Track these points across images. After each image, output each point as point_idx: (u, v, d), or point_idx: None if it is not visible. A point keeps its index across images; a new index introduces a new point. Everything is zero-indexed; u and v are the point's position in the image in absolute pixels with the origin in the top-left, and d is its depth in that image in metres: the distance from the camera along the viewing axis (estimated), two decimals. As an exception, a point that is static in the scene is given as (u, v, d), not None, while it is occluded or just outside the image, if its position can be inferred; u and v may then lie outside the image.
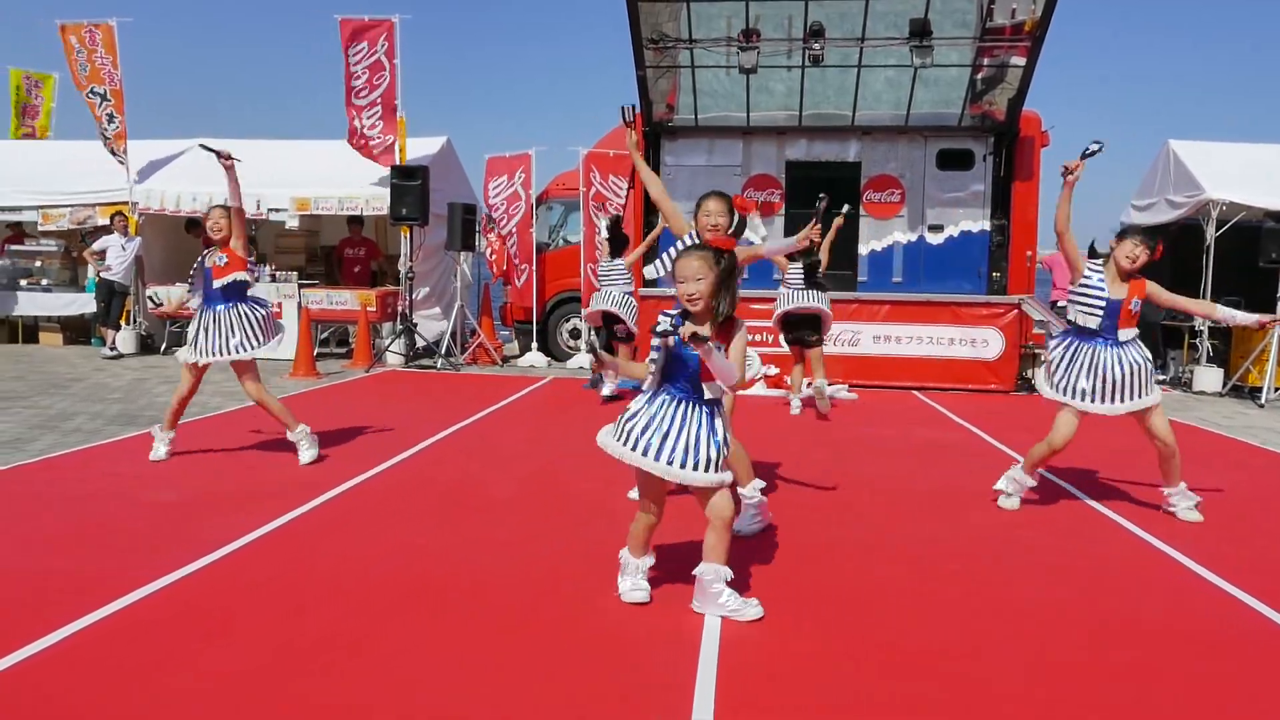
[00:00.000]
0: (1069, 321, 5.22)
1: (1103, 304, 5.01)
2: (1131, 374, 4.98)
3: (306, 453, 5.97)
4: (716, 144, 12.50)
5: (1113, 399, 5.01)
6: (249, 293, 5.99)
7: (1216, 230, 10.97)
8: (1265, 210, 10.79)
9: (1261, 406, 10.18)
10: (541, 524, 4.82)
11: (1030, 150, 11.81)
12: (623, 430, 3.52)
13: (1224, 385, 11.13)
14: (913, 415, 8.88)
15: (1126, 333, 5.03)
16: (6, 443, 6.59)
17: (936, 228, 12.16)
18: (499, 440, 6.92)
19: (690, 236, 4.64)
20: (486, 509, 5.10)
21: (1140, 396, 5.01)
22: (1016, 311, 10.65)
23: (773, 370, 10.29)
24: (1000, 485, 5.42)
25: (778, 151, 12.48)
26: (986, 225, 12.07)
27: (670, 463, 3.42)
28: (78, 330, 13.66)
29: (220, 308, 5.83)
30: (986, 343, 10.68)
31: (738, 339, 3.50)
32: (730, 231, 4.57)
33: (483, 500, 5.28)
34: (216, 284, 5.82)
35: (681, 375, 3.47)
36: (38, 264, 13.72)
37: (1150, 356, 5.10)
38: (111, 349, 12.07)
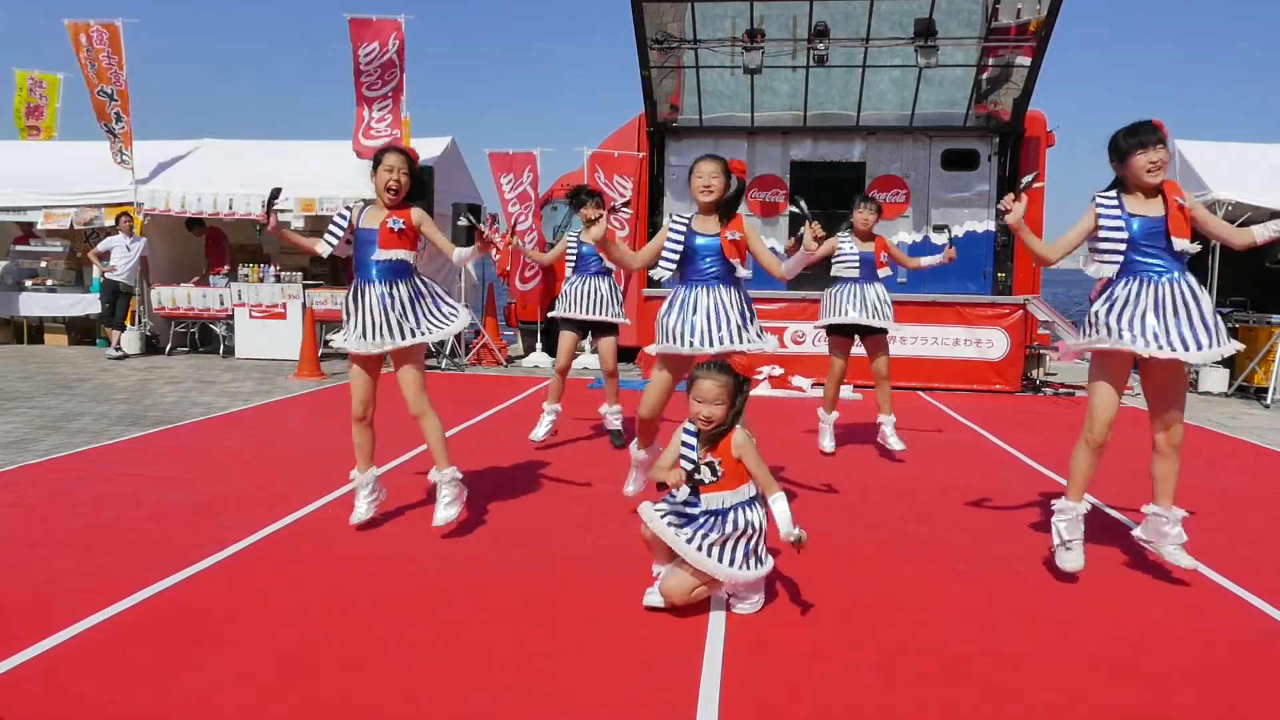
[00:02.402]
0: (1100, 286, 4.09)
1: (1128, 229, 3.89)
2: (1195, 307, 3.84)
3: (445, 509, 4.52)
4: (721, 144, 12.50)
5: (1165, 341, 3.81)
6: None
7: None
8: (1271, 210, 10.75)
9: (1267, 407, 10.15)
10: (546, 524, 4.81)
11: (1035, 150, 11.81)
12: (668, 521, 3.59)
13: (1230, 386, 11.10)
14: (917, 416, 8.86)
15: (1181, 243, 3.85)
16: (12, 443, 6.61)
17: (941, 228, 12.16)
18: (503, 440, 6.92)
19: (676, 223, 4.51)
20: (491, 509, 5.09)
21: (1213, 342, 3.83)
22: (1021, 312, 10.63)
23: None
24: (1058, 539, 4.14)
25: (782, 152, 12.49)
26: (991, 226, 12.07)
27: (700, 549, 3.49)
28: (83, 331, 13.70)
29: (380, 284, 4.49)
30: (991, 343, 10.66)
31: (749, 453, 3.53)
32: (727, 195, 4.46)
33: (487, 500, 5.28)
34: (379, 254, 4.47)
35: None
36: (43, 264, 13.78)
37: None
38: (116, 349, 12.10)
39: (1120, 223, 3.92)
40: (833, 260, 6.51)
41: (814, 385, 10.37)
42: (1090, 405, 4.05)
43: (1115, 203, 3.96)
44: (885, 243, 6.59)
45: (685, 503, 3.57)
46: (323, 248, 4.64)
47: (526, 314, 13.41)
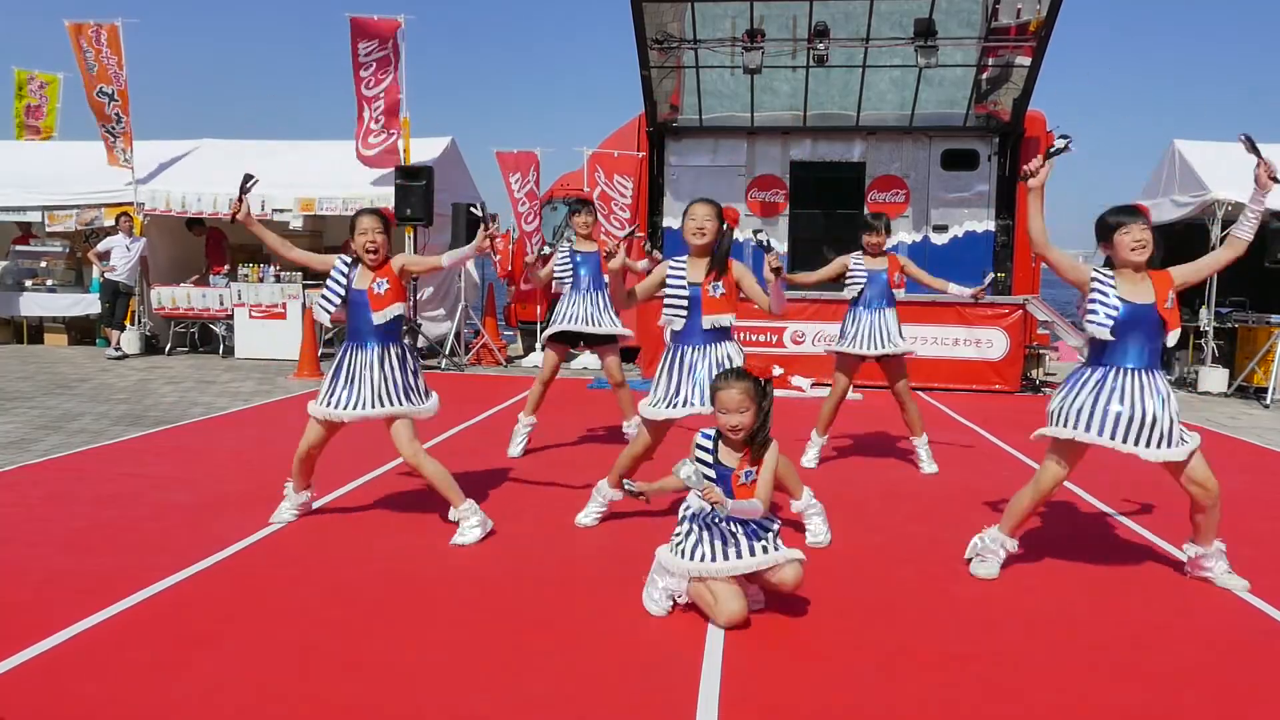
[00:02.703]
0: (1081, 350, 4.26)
1: (1120, 315, 3.90)
2: (1157, 405, 3.92)
3: (469, 532, 4.49)
4: (721, 144, 12.51)
5: (1148, 440, 3.91)
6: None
7: (1222, 230, 10.94)
8: (1271, 210, 10.76)
9: (1267, 407, 10.15)
10: (546, 525, 4.81)
11: (1035, 150, 11.78)
12: (678, 549, 3.59)
13: (1229, 386, 11.10)
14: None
15: (1173, 336, 3.96)
16: (12, 443, 6.61)
17: (941, 228, 12.17)
18: (503, 440, 6.91)
19: (675, 271, 4.51)
20: (491, 510, 5.09)
21: (1177, 441, 3.96)
22: (1021, 312, 10.63)
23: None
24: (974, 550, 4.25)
25: (782, 152, 12.49)
26: (991, 225, 12.07)
27: (732, 557, 3.50)
28: (83, 331, 13.70)
29: (374, 348, 4.51)
30: (991, 343, 10.66)
31: (768, 463, 3.59)
32: (717, 241, 4.46)
33: (487, 501, 5.28)
34: (377, 318, 4.50)
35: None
36: (43, 265, 13.77)
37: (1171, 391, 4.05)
38: (116, 349, 12.09)
39: (1115, 300, 3.92)
40: (845, 280, 6.29)
41: (814, 385, 10.38)
42: (1039, 475, 4.10)
43: (1111, 280, 3.96)
44: (900, 262, 6.28)
45: (710, 514, 3.56)
46: (320, 314, 4.67)
47: (526, 314, 13.41)
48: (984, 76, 11.74)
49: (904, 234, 12.19)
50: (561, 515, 4.97)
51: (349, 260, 4.62)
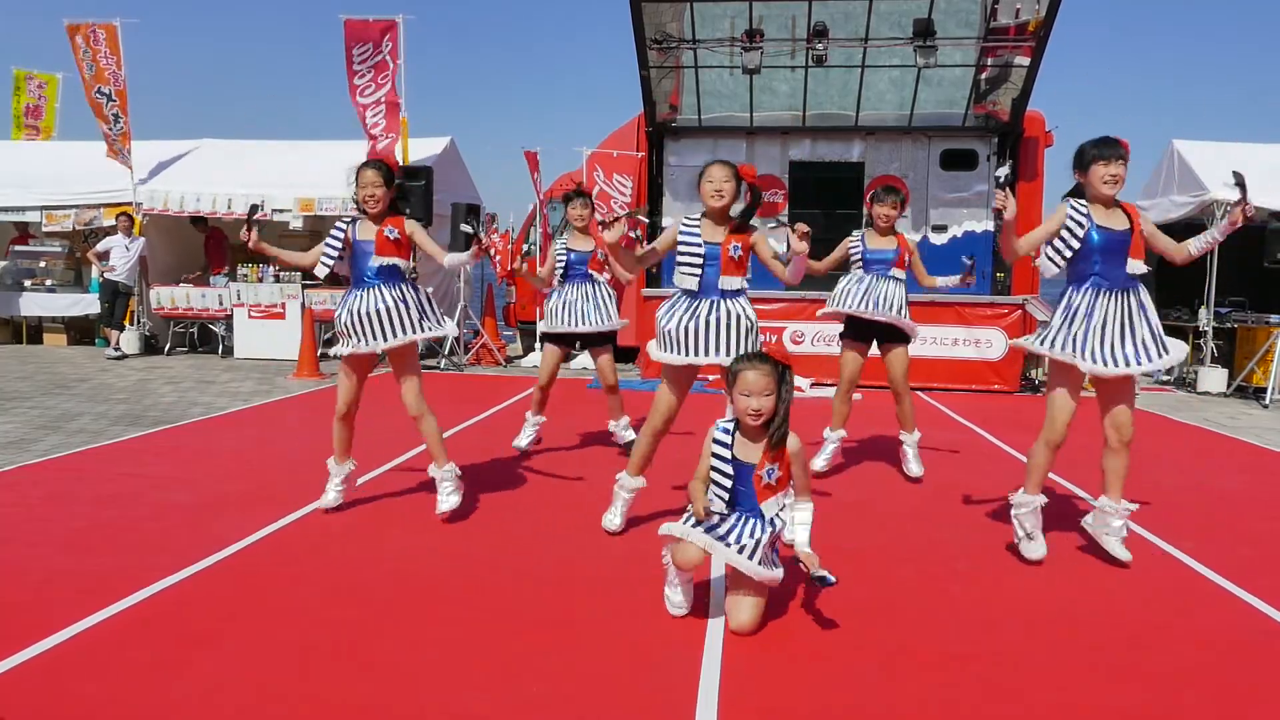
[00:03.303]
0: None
1: (1088, 240, 4.08)
2: (1145, 322, 4.08)
3: (447, 499, 4.77)
4: (720, 144, 12.50)
5: (1120, 357, 4.05)
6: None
7: (1221, 230, 10.94)
8: (1270, 210, 10.77)
9: (1266, 407, 10.15)
10: (545, 525, 4.81)
11: (1034, 150, 11.82)
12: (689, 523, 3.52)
13: (1228, 386, 11.11)
14: (917, 416, 8.85)
15: (1136, 264, 4.08)
16: (11, 443, 6.60)
17: (940, 228, 12.16)
18: (503, 441, 6.91)
19: (688, 229, 4.42)
20: (490, 509, 5.10)
21: (1158, 354, 4.06)
22: (1020, 312, 10.63)
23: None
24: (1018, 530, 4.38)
25: (781, 152, 12.49)
26: (990, 225, 12.06)
27: (729, 546, 3.40)
28: (82, 331, 13.70)
29: (376, 286, 4.69)
30: (990, 343, 10.66)
31: (796, 457, 3.60)
32: (737, 200, 4.39)
33: (486, 501, 5.28)
34: (375, 261, 4.69)
35: (745, 500, 3.52)
36: (42, 265, 13.77)
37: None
38: (116, 349, 12.09)
39: (1081, 230, 4.11)
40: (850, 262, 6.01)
41: (813, 385, 10.39)
42: (1049, 409, 4.27)
43: (1085, 212, 4.14)
44: (909, 244, 5.88)
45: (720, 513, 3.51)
46: (320, 270, 4.78)
47: (526, 314, 13.41)
48: (983, 76, 11.73)
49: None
50: (561, 515, 4.97)
51: (350, 219, 4.82)
